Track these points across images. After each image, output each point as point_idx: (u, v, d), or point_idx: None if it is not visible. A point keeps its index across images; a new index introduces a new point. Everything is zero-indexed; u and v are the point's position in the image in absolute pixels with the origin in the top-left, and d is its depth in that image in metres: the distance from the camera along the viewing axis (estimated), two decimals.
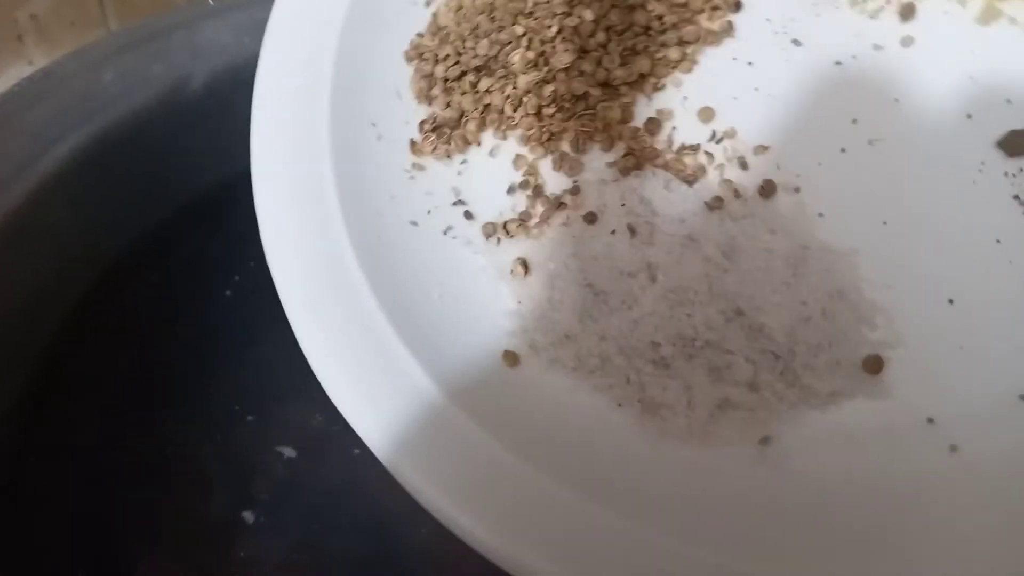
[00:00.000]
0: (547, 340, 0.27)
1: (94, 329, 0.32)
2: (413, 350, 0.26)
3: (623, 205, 0.28)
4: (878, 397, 0.25)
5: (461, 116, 0.30)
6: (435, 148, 0.30)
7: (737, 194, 0.27)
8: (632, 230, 0.27)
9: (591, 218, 0.28)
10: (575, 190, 0.29)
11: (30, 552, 0.27)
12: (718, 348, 0.25)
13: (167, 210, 0.35)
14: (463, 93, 0.30)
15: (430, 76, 0.31)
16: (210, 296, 0.36)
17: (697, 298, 0.25)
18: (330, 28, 0.31)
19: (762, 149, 0.28)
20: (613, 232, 0.28)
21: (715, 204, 0.27)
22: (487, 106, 0.30)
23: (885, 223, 0.27)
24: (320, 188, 0.28)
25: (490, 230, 0.29)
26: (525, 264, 0.28)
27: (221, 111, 0.34)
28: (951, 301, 0.26)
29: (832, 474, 0.24)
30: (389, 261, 0.28)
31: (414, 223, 0.29)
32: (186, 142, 0.35)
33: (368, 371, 0.26)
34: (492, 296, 0.28)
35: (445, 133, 0.30)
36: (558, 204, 0.28)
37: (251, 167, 0.29)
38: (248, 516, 0.29)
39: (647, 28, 0.30)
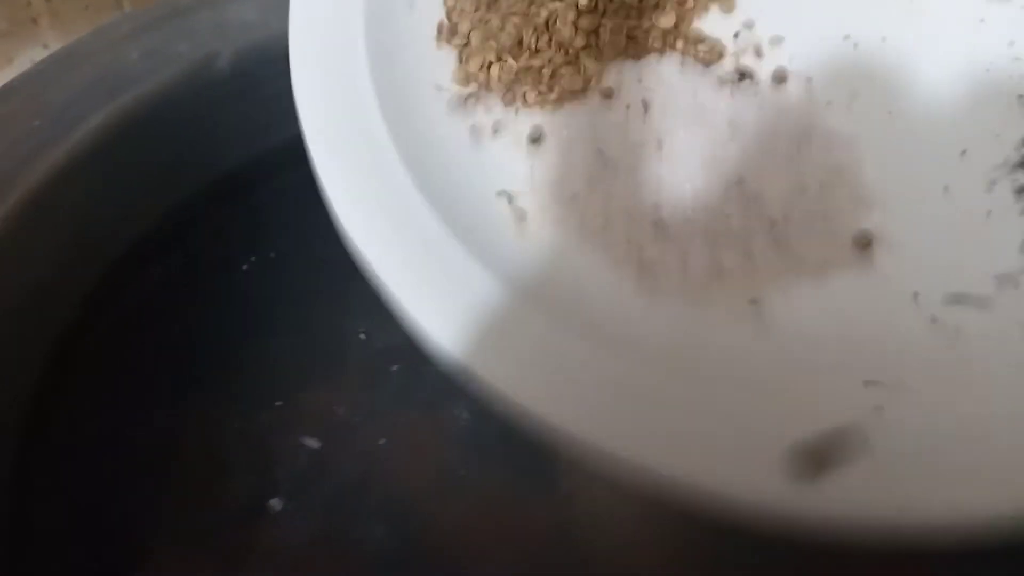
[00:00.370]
0: (554, 200, 0.28)
1: (117, 309, 0.32)
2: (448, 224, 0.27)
3: (640, 81, 0.29)
4: (866, 272, 0.26)
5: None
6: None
7: (749, 76, 0.28)
8: (646, 105, 0.29)
9: (608, 92, 0.29)
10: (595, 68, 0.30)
11: (56, 538, 0.28)
12: (717, 213, 0.26)
13: (191, 189, 0.34)
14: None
15: None
16: (233, 277, 0.36)
17: (700, 162, 0.27)
18: None
19: (778, 40, 0.29)
20: (628, 107, 0.29)
21: (727, 79, 0.28)
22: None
23: (890, 113, 0.28)
24: (355, 68, 0.30)
25: (509, 98, 0.30)
26: (541, 131, 0.29)
27: (247, 90, 0.34)
28: (946, 189, 0.27)
29: (815, 336, 0.25)
30: (415, 123, 0.29)
31: (439, 88, 0.30)
32: (211, 121, 0.34)
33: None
34: (507, 161, 0.29)
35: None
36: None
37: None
38: (275, 504, 0.30)
39: None
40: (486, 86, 0.30)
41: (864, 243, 0.26)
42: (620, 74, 0.29)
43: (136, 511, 0.28)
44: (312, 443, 0.31)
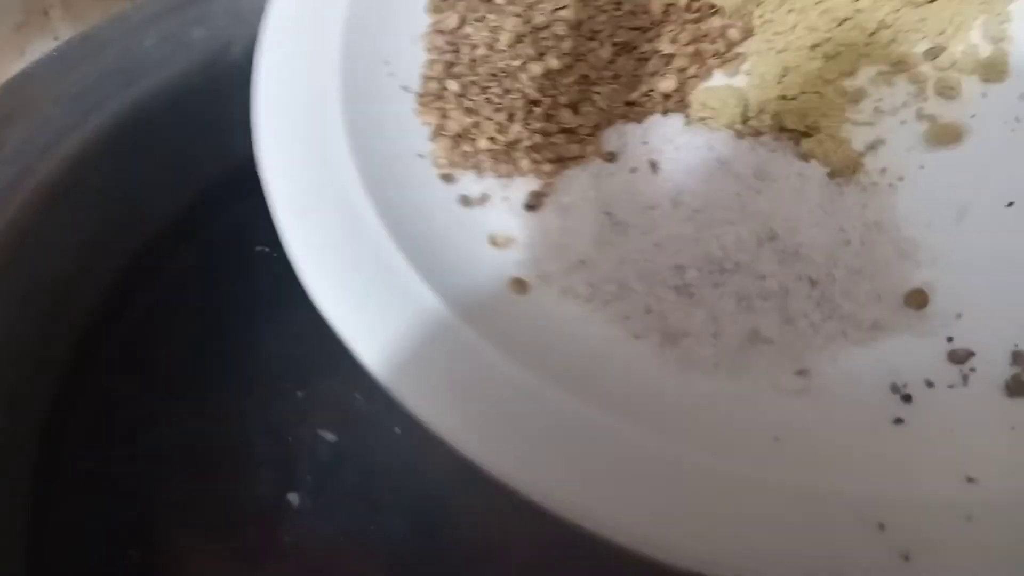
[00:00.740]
0: (559, 267, 0.24)
1: (136, 300, 0.31)
2: (416, 266, 0.24)
3: (645, 144, 0.26)
4: (923, 334, 0.23)
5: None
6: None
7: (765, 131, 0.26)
8: (654, 166, 0.26)
9: (610, 157, 0.27)
10: (591, 133, 0.27)
11: (79, 531, 0.27)
12: (749, 272, 0.23)
13: (207, 177, 0.33)
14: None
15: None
16: (251, 265, 0.34)
17: (727, 217, 0.23)
18: None
19: None
20: (634, 170, 0.26)
21: (745, 132, 0.26)
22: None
23: (922, 167, 0.25)
24: (324, 106, 0.27)
25: (501, 169, 0.27)
26: (538, 196, 0.26)
27: None
28: (997, 239, 0.24)
29: (875, 408, 0.21)
30: (393, 186, 0.26)
31: (421, 156, 0.27)
32: (226, 108, 0.31)
33: (368, 286, 0.23)
34: (502, 229, 0.26)
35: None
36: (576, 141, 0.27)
37: (253, 83, 0.27)
38: (293, 498, 0.29)
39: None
40: (473, 157, 0.27)
41: (918, 302, 0.23)
42: (622, 137, 0.27)
43: (159, 502, 0.28)
44: (330, 436, 0.30)
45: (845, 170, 0.25)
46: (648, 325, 0.23)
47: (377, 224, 0.24)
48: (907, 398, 0.21)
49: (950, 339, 0.22)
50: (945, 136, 0.26)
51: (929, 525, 0.18)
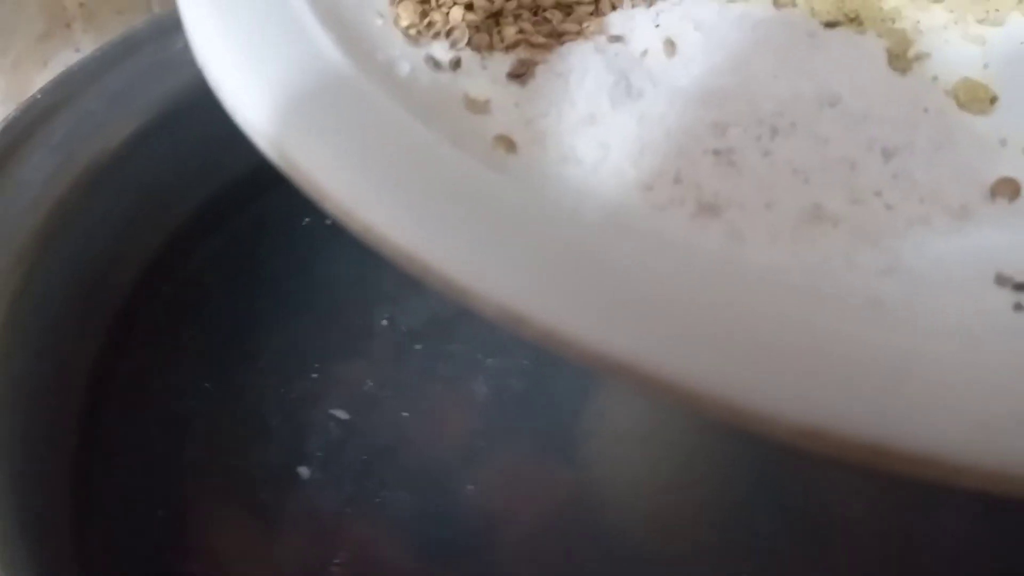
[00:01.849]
0: (560, 125, 0.19)
1: (168, 281, 0.33)
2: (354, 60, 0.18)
3: (657, 27, 0.22)
4: (1019, 228, 0.18)
5: None
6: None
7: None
8: (671, 45, 0.21)
9: (615, 39, 0.22)
10: (592, 13, 0.22)
11: (116, 493, 0.28)
12: (808, 136, 0.18)
13: (235, 169, 0.34)
14: None
15: None
16: (274, 253, 0.36)
17: (780, 70, 0.19)
18: None
19: None
20: (644, 52, 0.21)
21: (786, 2, 0.21)
22: None
23: (986, 66, 0.22)
24: None
25: (482, 41, 0.22)
26: (527, 64, 0.21)
27: None
28: None
29: (985, 295, 0.16)
30: (341, 23, 0.20)
31: (380, 15, 0.22)
32: None
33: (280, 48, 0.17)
34: (480, 94, 0.20)
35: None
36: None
37: None
38: (303, 471, 0.31)
39: None
40: (442, 24, 0.22)
41: (1010, 191, 0.18)
42: (629, 20, 0.22)
43: (184, 468, 0.30)
44: (341, 414, 0.32)
45: (900, 58, 0.21)
46: (677, 195, 0.18)
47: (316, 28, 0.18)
48: (1021, 287, 0.16)
49: None
50: (974, 96, 0.22)
51: None
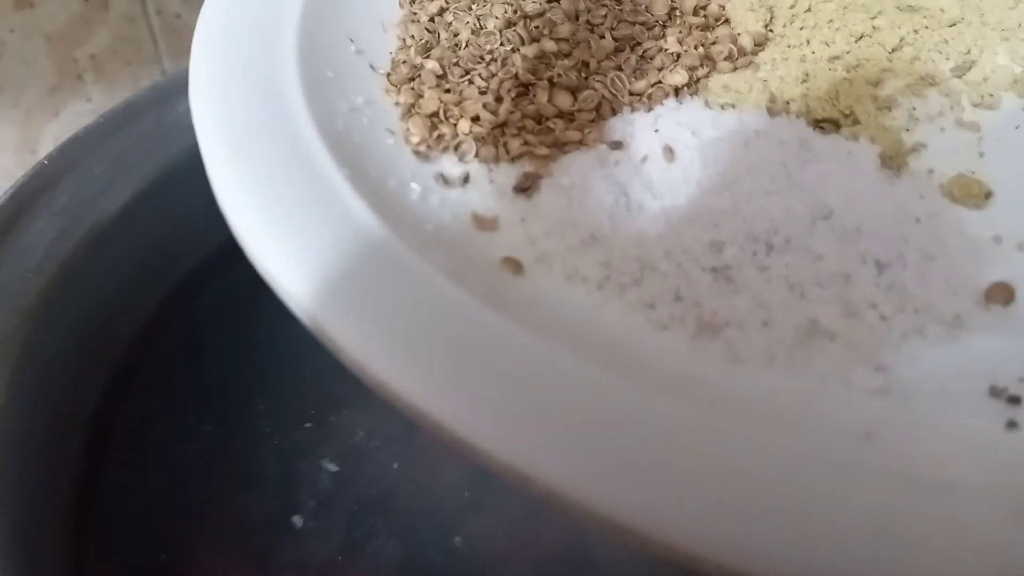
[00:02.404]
0: (564, 245, 0.20)
1: (167, 337, 0.34)
2: (377, 212, 0.19)
3: (656, 132, 0.23)
4: (1014, 334, 0.18)
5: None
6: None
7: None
8: (670, 152, 0.22)
9: (616, 146, 0.22)
10: (593, 120, 0.23)
11: (114, 538, 0.29)
12: (802, 252, 0.19)
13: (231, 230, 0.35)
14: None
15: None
16: (271, 307, 0.36)
17: (773, 187, 0.19)
18: None
19: None
20: (644, 159, 0.22)
21: (780, 108, 0.22)
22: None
23: (973, 173, 0.22)
24: (277, 61, 0.22)
25: (488, 153, 0.22)
26: (532, 178, 0.22)
27: None
28: None
29: (978, 411, 0.17)
30: (355, 148, 0.21)
31: (391, 132, 0.23)
32: None
33: (315, 218, 0.18)
34: (488, 211, 0.21)
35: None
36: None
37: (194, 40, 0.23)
38: (296, 520, 0.32)
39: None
40: (451, 138, 0.23)
41: (1003, 297, 0.19)
42: (629, 125, 0.23)
43: (183, 513, 0.31)
44: (332, 467, 0.33)
45: (895, 158, 0.21)
46: (678, 314, 0.18)
47: (335, 174, 0.19)
48: (1015, 400, 0.17)
49: None
50: (968, 192, 0.22)
51: None
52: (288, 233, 0.18)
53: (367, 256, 0.17)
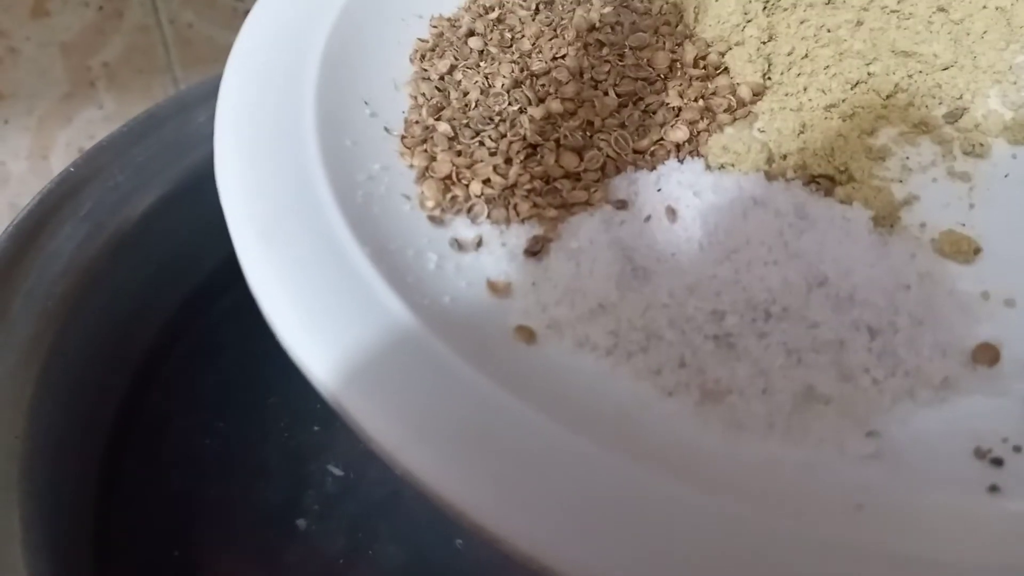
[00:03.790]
0: (574, 314, 0.21)
1: (185, 339, 0.36)
2: (396, 290, 0.20)
3: (659, 191, 0.24)
4: (998, 394, 0.19)
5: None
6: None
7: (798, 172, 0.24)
8: (672, 212, 0.23)
9: (620, 205, 0.24)
10: (598, 180, 0.24)
11: (132, 534, 0.30)
12: (799, 320, 0.20)
13: None
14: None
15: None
16: None
17: (770, 257, 0.20)
18: (331, 6, 0.27)
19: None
20: (649, 218, 0.23)
21: (777, 171, 0.23)
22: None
23: (963, 225, 0.23)
24: (295, 131, 0.23)
25: (500, 215, 0.24)
26: (542, 241, 0.23)
27: None
28: None
29: (963, 474, 0.18)
30: (374, 221, 0.22)
31: (407, 197, 0.24)
32: None
33: (336, 300, 0.19)
34: (501, 276, 0.22)
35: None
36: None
37: (217, 109, 0.24)
38: (301, 523, 0.33)
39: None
40: (465, 201, 0.24)
41: (988, 358, 0.20)
42: (633, 184, 0.24)
43: (198, 515, 0.32)
44: (337, 471, 0.34)
45: (887, 217, 0.22)
46: (683, 380, 0.20)
47: (357, 253, 0.20)
48: (997, 462, 0.18)
49: None
50: (957, 248, 0.23)
51: None
52: (315, 321, 0.19)
53: (389, 340, 0.19)
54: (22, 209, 0.30)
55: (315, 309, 0.19)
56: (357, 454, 0.34)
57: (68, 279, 0.30)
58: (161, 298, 0.35)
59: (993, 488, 0.18)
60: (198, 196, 0.33)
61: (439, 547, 0.32)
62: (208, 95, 0.33)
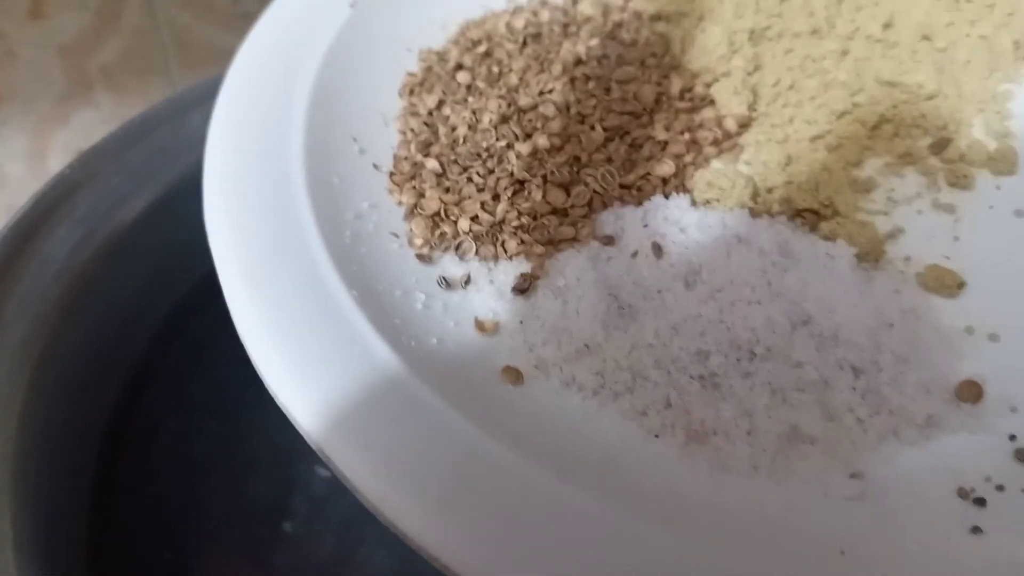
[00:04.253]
0: (560, 354, 0.21)
1: (179, 342, 0.36)
2: (391, 346, 0.20)
3: (645, 227, 0.24)
4: (981, 431, 0.20)
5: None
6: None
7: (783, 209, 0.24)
8: (658, 249, 0.23)
9: (607, 241, 0.24)
10: (585, 215, 0.25)
11: (122, 537, 0.31)
12: (783, 359, 0.20)
13: None
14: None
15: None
16: None
17: (753, 296, 0.21)
18: (321, 39, 0.28)
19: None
20: (635, 254, 0.23)
21: (761, 208, 0.23)
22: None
23: (948, 258, 0.23)
24: (284, 170, 0.24)
25: (488, 252, 0.24)
26: (529, 279, 0.23)
27: None
28: None
29: (946, 515, 0.18)
30: (362, 261, 0.23)
31: (396, 235, 0.24)
32: None
33: (329, 359, 0.20)
34: (489, 314, 0.22)
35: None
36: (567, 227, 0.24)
37: (207, 144, 0.24)
38: (287, 526, 0.33)
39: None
40: (454, 239, 0.24)
41: (972, 395, 0.20)
42: (619, 219, 0.24)
43: (189, 517, 0.32)
44: (325, 473, 0.34)
45: (872, 253, 0.23)
46: (669, 421, 0.20)
47: (344, 296, 0.21)
48: (980, 502, 0.18)
49: (1013, 437, 0.19)
50: (941, 283, 0.23)
51: None
52: (299, 366, 0.19)
53: (374, 386, 0.19)
54: (16, 212, 0.30)
55: (300, 353, 0.19)
56: None
57: (62, 282, 0.30)
58: (154, 301, 0.35)
59: (976, 529, 0.18)
60: (192, 199, 0.32)
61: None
62: (203, 98, 0.34)
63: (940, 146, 0.26)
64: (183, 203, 0.33)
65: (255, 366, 0.20)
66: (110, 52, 0.51)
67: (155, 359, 0.35)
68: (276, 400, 0.19)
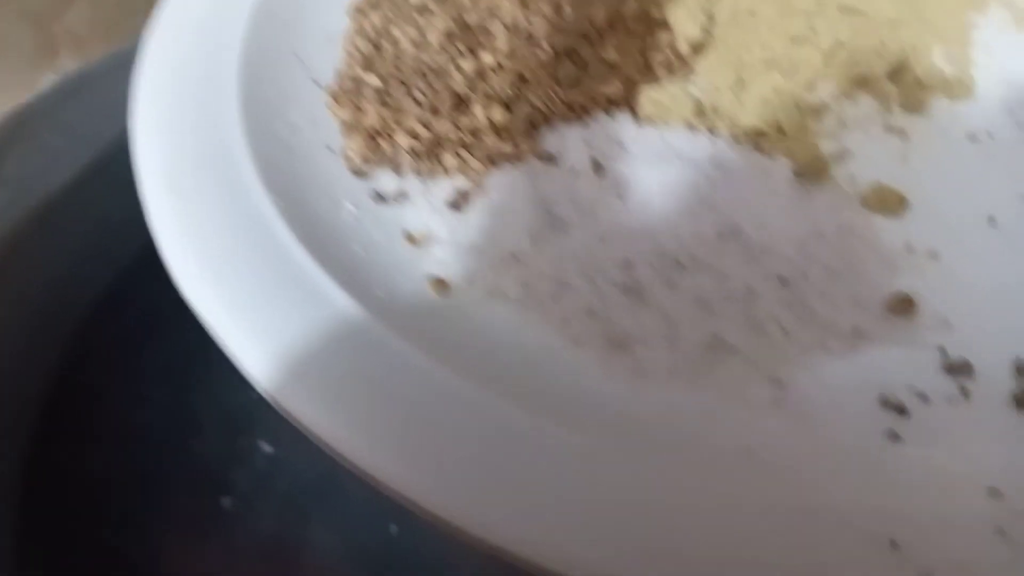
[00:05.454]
0: (487, 264, 0.21)
1: (126, 309, 0.33)
2: (317, 259, 0.20)
3: (587, 145, 0.23)
4: (911, 344, 0.19)
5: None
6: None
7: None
8: (597, 166, 0.22)
9: (548, 158, 0.23)
10: (526, 133, 0.24)
11: (56, 515, 0.29)
12: (709, 271, 0.19)
13: None
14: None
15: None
16: None
17: (685, 208, 0.20)
18: None
19: None
20: (574, 171, 0.23)
21: (702, 124, 0.23)
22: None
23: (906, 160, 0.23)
24: (217, 83, 0.23)
25: (425, 168, 0.23)
26: (464, 195, 0.22)
27: None
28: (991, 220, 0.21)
29: (865, 423, 0.18)
30: (292, 172, 0.22)
31: (331, 149, 0.24)
32: None
33: (256, 278, 0.19)
34: (420, 227, 0.22)
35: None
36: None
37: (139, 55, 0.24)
38: (226, 502, 0.31)
39: None
40: (391, 155, 0.24)
41: (904, 309, 0.19)
42: (561, 138, 0.24)
43: (129, 495, 0.31)
44: (267, 448, 0.32)
45: (811, 171, 0.22)
46: (591, 330, 0.19)
47: (267, 204, 0.20)
48: (901, 411, 0.18)
49: (942, 350, 0.19)
50: (884, 202, 0.23)
51: (953, 541, 0.14)
52: (216, 272, 0.19)
53: (291, 293, 0.18)
54: None
55: (218, 260, 0.19)
56: (288, 432, 0.33)
57: None
58: (95, 268, 0.33)
59: (893, 436, 0.17)
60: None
61: (373, 532, 0.30)
62: None
63: (896, 72, 0.26)
64: (127, 163, 0.31)
65: (172, 275, 0.20)
66: (78, 16, 0.50)
67: (97, 329, 0.33)
68: (193, 310, 0.19)
